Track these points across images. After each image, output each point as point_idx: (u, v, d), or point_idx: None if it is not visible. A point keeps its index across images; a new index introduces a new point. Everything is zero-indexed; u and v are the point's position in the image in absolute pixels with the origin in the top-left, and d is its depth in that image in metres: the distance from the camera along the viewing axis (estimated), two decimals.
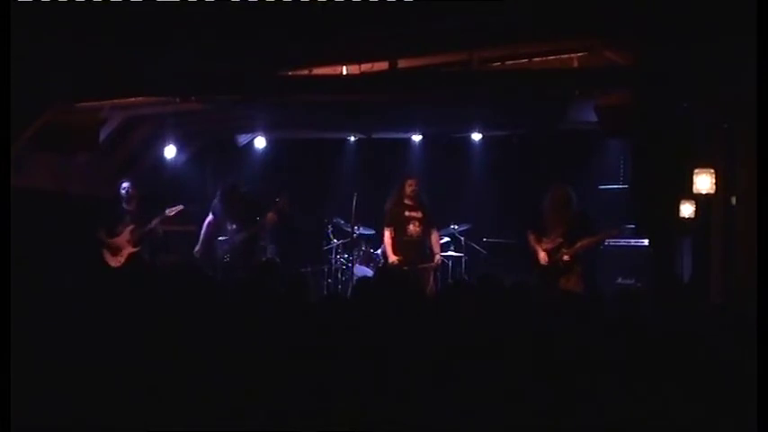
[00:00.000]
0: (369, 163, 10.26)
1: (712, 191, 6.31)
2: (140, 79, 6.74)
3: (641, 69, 6.35)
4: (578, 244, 7.08)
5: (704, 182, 6.30)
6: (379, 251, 8.84)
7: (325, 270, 9.46)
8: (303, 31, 6.14)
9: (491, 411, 3.23)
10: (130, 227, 8.11)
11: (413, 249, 8.00)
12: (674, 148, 6.53)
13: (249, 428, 3.25)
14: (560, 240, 7.19)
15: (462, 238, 9.34)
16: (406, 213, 8.04)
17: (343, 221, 9.30)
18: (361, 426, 3.18)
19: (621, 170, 9.28)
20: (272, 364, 3.51)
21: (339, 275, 9.32)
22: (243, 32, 6.14)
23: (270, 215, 8.02)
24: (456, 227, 9.27)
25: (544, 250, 7.20)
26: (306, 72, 7.02)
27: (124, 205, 8.19)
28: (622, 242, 8.59)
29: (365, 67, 6.83)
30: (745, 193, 5.79)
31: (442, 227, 8.74)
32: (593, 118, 7.18)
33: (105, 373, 3.47)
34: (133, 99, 7.74)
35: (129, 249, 8.09)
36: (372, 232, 9.20)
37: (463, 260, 9.31)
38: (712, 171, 6.31)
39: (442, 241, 8.73)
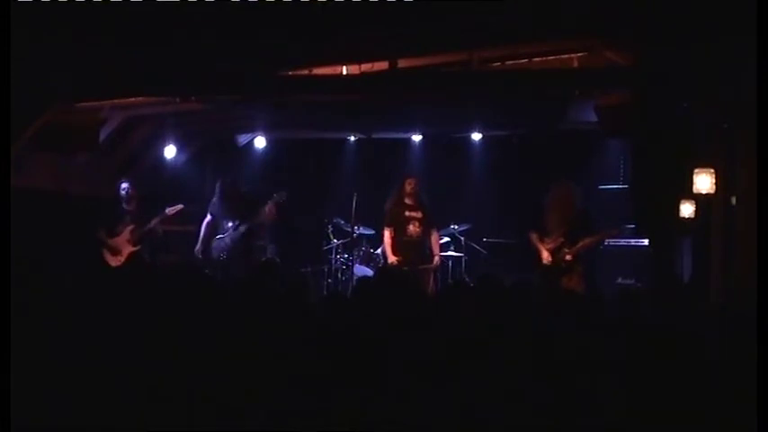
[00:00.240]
0: (369, 163, 10.26)
1: (712, 191, 6.31)
2: (140, 79, 6.74)
3: (641, 69, 6.34)
4: (580, 243, 7.09)
5: (704, 182, 6.30)
6: (378, 251, 8.84)
7: (325, 270, 9.46)
8: (303, 31, 6.14)
9: (491, 411, 3.23)
10: (130, 227, 8.12)
11: (413, 249, 8.00)
12: (674, 148, 6.52)
13: (249, 428, 3.25)
14: (562, 240, 7.20)
15: (462, 238, 9.35)
16: (406, 213, 8.04)
17: (343, 221, 9.30)
18: (361, 426, 3.18)
19: (621, 170, 9.28)
20: (272, 364, 3.51)
21: (339, 275, 9.32)
22: (243, 32, 6.14)
23: (269, 207, 8.02)
24: (456, 227, 9.27)
25: (546, 250, 7.21)
26: (306, 72, 7.01)
27: (124, 205, 8.20)
28: (622, 242, 8.60)
29: (365, 67, 6.83)
30: (745, 193, 5.78)
31: (441, 227, 8.75)
32: (593, 118, 7.18)
33: (105, 373, 3.46)
34: (133, 99, 7.75)
35: (129, 249, 8.10)
36: (372, 232, 9.20)
37: (463, 260, 9.32)
38: (712, 171, 6.30)
39: (441, 241, 8.73)
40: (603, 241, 8.09)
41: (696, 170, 6.35)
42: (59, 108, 7.06)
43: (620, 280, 8.33)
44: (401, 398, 3.27)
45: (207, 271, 7.36)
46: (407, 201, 8.06)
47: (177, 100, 7.63)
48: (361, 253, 9.11)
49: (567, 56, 7.06)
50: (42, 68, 6.31)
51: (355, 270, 8.85)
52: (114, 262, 8.09)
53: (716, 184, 6.30)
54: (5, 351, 3.53)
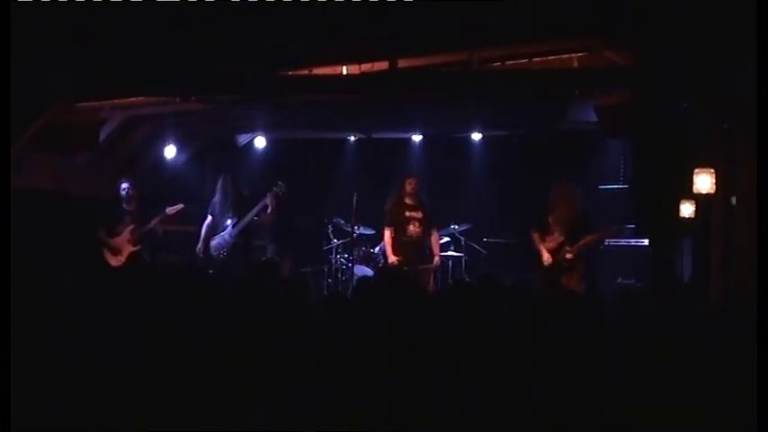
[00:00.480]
0: (369, 163, 10.26)
1: (712, 191, 6.31)
2: (140, 79, 6.74)
3: (641, 69, 6.34)
4: (581, 241, 7.10)
5: (704, 182, 6.30)
6: (377, 249, 8.84)
7: (325, 270, 9.46)
8: (303, 31, 6.14)
9: (491, 411, 3.23)
10: (130, 226, 8.12)
11: (413, 249, 8.00)
12: (674, 148, 6.52)
13: (249, 428, 3.25)
14: (562, 239, 7.21)
15: (462, 238, 9.35)
16: (407, 213, 8.04)
17: (343, 221, 9.31)
18: (361, 426, 3.18)
19: (621, 170, 9.28)
20: (272, 364, 3.51)
21: (339, 275, 9.32)
22: (243, 32, 6.14)
23: (269, 200, 8.03)
24: (456, 227, 9.27)
25: (547, 250, 7.22)
26: (306, 72, 7.01)
27: (124, 205, 8.20)
28: (622, 242, 8.60)
29: (365, 67, 6.83)
30: (745, 193, 5.78)
31: (442, 227, 8.75)
32: (593, 118, 7.18)
33: (105, 373, 3.46)
34: (133, 99, 7.75)
35: (129, 249, 8.10)
36: (372, 232, 9.20)
37: (463, 260, 9.32)
38: (712, 171, 6.30)
39: (442, 241, 8.73)
40: (604, 240, 8.10)
41: (696, 170, 6.35)
42: (59, 108, 7.05)
43: (620, 280, 8.33)
44: (401, 398, 3.27)
45: (210, 271, 7.37)
46: (408, 201, 8.06)
47: (177, 100, 7.63)
48: (361, 253, 9.11)
49: (566, 56, 7.05)
50: (42, 68, 6.30)
51: (355, 270, 8.85)
52: (115, 262, 8.09)
53: (716, 184, 6.30)
54: (5, 351, 3.53)
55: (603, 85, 6.90)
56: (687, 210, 6.66)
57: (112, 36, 6.15)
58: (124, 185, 8.21)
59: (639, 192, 7.16)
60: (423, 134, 10.01)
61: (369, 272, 8.62)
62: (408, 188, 8.04)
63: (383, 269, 7.59)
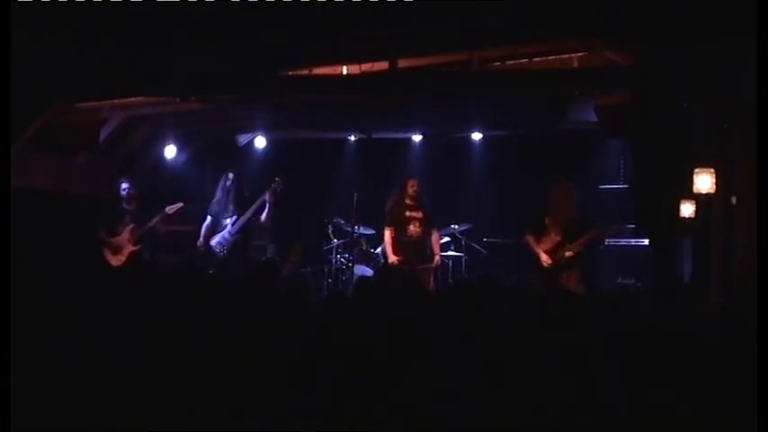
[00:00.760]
0: (369, 163, 10.26)
1: (712, 191, 6.30)
2: (140, 79, 6.74)
3: (641, 69, 6.34)
4: (581, 239, 7.11)
5: (704, 182, 6.29)
6: (378, 249, 8.84)
7: (325, 270, 9.46)
8: (303, 31, 6.14)
9: (491, 411, 3.23)
10: (130, 226, 8.13)
11: (413, 249, 8.00)
12: (674, 148, 6.52)
13: (249, 428, 3.25)
14: (559, 239, 7.22)
15: (462, 238, 9.35)
16: (407, 213, 8.04)
17: (343, 221, 9.31)
18: (361, 426, 3.18)
19: (621, 170, 9.28)
20: (272, 364, 3.51)
21: (339, 275, 9.32)
22: (243, 32, 6.14)
23: (268, 195, 8.06)
24: (456, 227, 9.27)
25: (544, 251, 7.22)
26: (306, 72, 7.01)
27: (124, 205, 8.21)
28: (622, 242, 8.60)
29: (365, 67, 6.83)
30: (746, 193, 5.78)
31: (442, 227, 8.74)
32: (593, 118, 7.18)
33: (105, 373, 3.46)
34: (133, 99, 7.75)
35: (129, 248, 8.11)
36: (372, 232, 9.20)
37: (463, 260, 9.32)
38: (712, 171, 6.30)
39: (442, 241, 8.73)
40: (604, 240, 8.11)
41: (696, 170, 6.34)
42: (59, 108, 7.06)
43: (620, 280, 8.33)
44: (401, 398, 3.27)
45: (210, 271, 7.38)
46: (408, 201, 8.06)
47: (177, 100, 7.64)
48: (362, 253, 9.11)
49: (566, 56, 7.06)
50: (42, 68, 6.31)
51: (355, 270, 8.85)
52: (115, 261, 8.09)
53: (716, 183, 6.29)
54: (5, 351, 3.53)
55: (603, 85, 6.91)
56: (687, 210, 6.66)
57: (112, 36, 6.15)
58: (124, 185, 8.21)
59: (639, 192, 7.15)
60: (423, 134, 10.01)
61: (369, 272, 8.62)
62: (410, 189, 8.04)
63: (383, 269, 7.59)
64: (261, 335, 3.80)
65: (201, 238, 8.21)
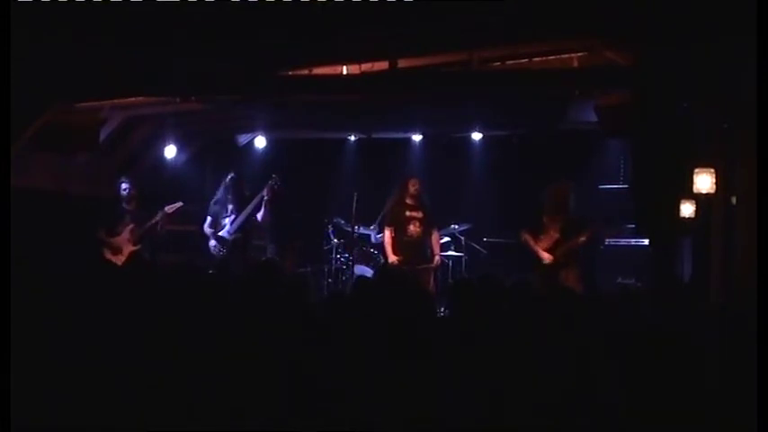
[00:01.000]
0: (369, 163, 10.26)
1: (712, 190, 6.30)
2: (140, 79, 6.74)
3: (641, 69, 6.34)
4: (582, 237, 7.12)
5: (704, 181, 6.29)
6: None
7: (326, 270, 9.46)
8: (303, 31, 6.14)
9: (491, 411, 3.23)
10: (130, 226, 8.14)
11: (413, 249, 8.00)
12: (674, 148, 6.52)
13: (249, 428, 3.25)
14: (558, 237, 7.23)
15: (462, 238, 9.34)
16: (407, 213, 8.05)
17: (343, 221, 9.30)
18: (361, 426, 3.18)
19: (621, 170, 9.27)
20: (272, 364, 3.51)
21: (339, 275, 9.32)
22: (243, 32, 6.14)
23: (266, 191, 8.10)
24: (456, 227, 9.27)
25: (543, 249, 7.23)
26: (306, 72, 7.01)
27: (124, 205, 8.22)
28: (622, 242, 8.60)
29: (365, 66, 6.83)
30: (746, 193, 5.78)
31: (442, 227, 8.74)
32: (593, 118, 7.18)
33: (105, 373, 3.46)
34: (133, 99, 7.75)
35: (129, 248, 8.13)
36: (372, 232, 9.20)
37: (463, 260, 9.31)
38: (712, 171, 6.29)
39: (442, 241, 8.72)
40: (603, 239, 8.12)
41: (696, 170, 6.34)
42: (59, 108, 7.06)
43: (620, 279, 8.33)
44: (401, 398, 3.27)
45: (210, 271, 7.39)
46: (409, 201, 8.06)
47: (177, 100, 7.63)
48: (362, 253, 9.11)
49: (566, 56, 7.06)
50: (42, 68, 6.30)
51: (355, 270, 8.85)
52: (116, 262, 8.09)
53: (716, 183, 6.29)
54: (5, 351, 3.53)
55: (603, 85, 6.90)
56: (687, 210, 6.65)
57: (112, 36, 6.15)
58: (124, 185, 8.22)
59: (639, 192, 7.15)
60: (423, 134, 10.02)
61: (369, 272, 8.61)
62: (411, 189, 8.04)
63: (383, 268, 7.59)
64: (261, 335, 3.80)
65: (212, 239, 8.26)
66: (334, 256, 9.40)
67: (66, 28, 6.00)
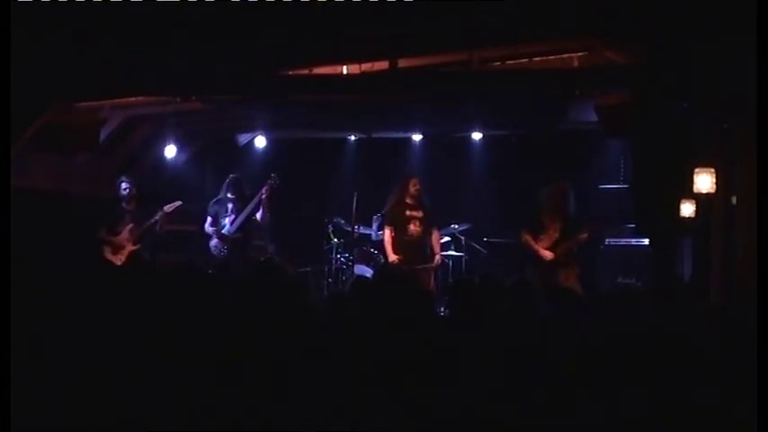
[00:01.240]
0: (369, 163, 10.25)
1: (713, 190, 6.30)
2: (140, 79, 6.74)
3: (641, 69, 6.34)
4: (584, 233, 7.13)
5: (705, 181, 6.29)
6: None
7: (326, 270, 9.46)
8: (303, 31, 6.14)
9: (491, 411, 3.23)
10: (130, 225, 8.15)
11: (413, 249, 8.00)
12: (674, 147, 6.52)
13: (249, 428, 3.25)
14: (557, 236, 7.24)
15: (463, 238, 9.34)
16: (407, 213, 8.04)
17: (343, 221, 9.30)
18: (361, 426, 3.18)
19: (621, 170, 9.27)
20: (272, 364, 3.51)
21: (339, 275, 9.32)
22: (243, 32, 6.14)
23: (265, 190, 8.13)
24: (456, 226, 9.27)
25: (543, 248, 7.24)
26: (306, 72, 7.01)
27: (124, 205, 8.22)
28: (622, 242, 8.60)
29: (365, 66, 6.83)
30: (746, 193, 5.78)
31: (442, 226, 8.74)
32: (594, 118, 7.18)
33: (105, 373, 3.46)
34: (133, 99, 7.75)
35: (129, 248, 8.13)
36: (373, 232, 9.20)
37: (463, 260, 9.32)
38: (713, 170, 6.30)
39: (442, 241, 8.72)
40: (603, 238, 8.13)
41: (696, 170, 6.34)
42: (59, 108, 7.06)
43: (620, 279, 8.33)
44: (401, 398, 3.27)
45: (210, 271, 7.41)
46: (409, 200, 8.06)
47: (177, 100, 7.64)
48: (362, 252, 9.11)
49: (567, 56, 7.06)
50: (42, 68, 6.30)
51: (355, 270, 8.85)
52: (116, 261, 8.10)
53: (716, 183, 6.29)
54: (5, 351, 3.53)
55: (603, 85, 6.91)
56: (687, 209, 6.66)
57: (112, 36, 6.15)
58: (124, 185, 8.22)
59: (640, 191, 7.16)
60: (423, 134, 10.02)
61: (369, 271, 8.61)
62: (412, 189, 8.04)
63: (383, 268, 7.59)
64: (261, 335, 3.80)
65: (215, 239, 8.27)
66: (334, 256, 9.40)
67: (67, 28, 6.00)
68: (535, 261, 7.30)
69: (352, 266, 8.93)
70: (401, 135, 10.11)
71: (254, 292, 4.65)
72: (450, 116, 8.96)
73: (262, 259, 8.19)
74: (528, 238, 7.36)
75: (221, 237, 8.26)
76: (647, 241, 8.05)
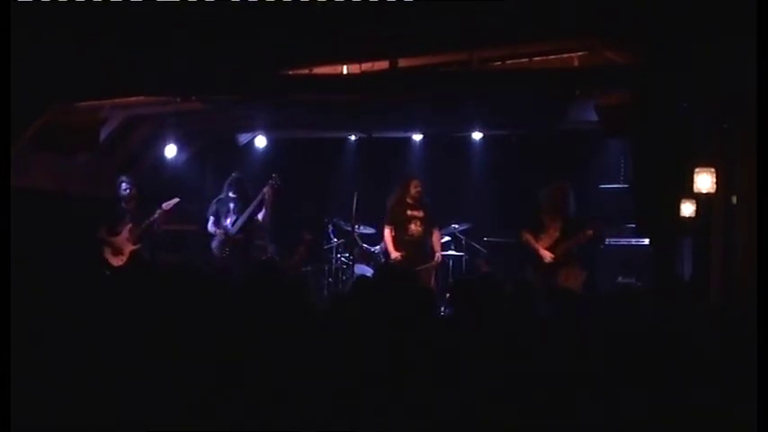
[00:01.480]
0: (369, 162, 10.25)
1: (713, 190, 6.30)
2: (140, 79, 6.74)
3: (641, 69, 6.34)
4: (587, 231, 7.14)
5: (705, 181, 6.29)
6: (377, 247, 8.83)
7: (326, 270, 9.46)
8: (303, 31, 6.14)
9: (491, 411, 3.23)
10: (129, 225, 8.15)
11: (414, 248, 8.01)
12: (674, 147, 6.52)
13: (249, 428, 3.25)
14: (558, 235, 7.25)
15: (463, 238, 9.34)
16: (408, 213, 8.06)
17: (343, 221, 9.30)
18: (361, 426, 3.18)
19: (622, 170, 9.27)
20: (272, 364, 3.51)
21: (339, 275, 9.32)
22: (243, 32, 6.14)
23: (267, 189, 8.10)
24: (456, 226, 9.27)
25: (544, 248, 7.24)
26: (306, 72, 7.02)
27: (123, 205, 8.23)
28: (623, 241, 8.60)
29: (365, 66, 6.83)
30: (746, 193, 5.78)
31: (442, 226, 8.74)
32: (594, 117, 7.18)
33: (105, 373, 3.46)
34: (133, 99, 7.75)
35: (129, 247, 8.14)
36: (373, 231, 9.20)
37: (464, 259, 9.32)
38: (713, 170, 6.30)
39: (442, 240, 8.72)
40: (604, 237, 8.13)
41: (697, 169, 6.34)
42: (59, 108, 7.06)
43: (620, 279, 8.33)
44: (401, 398, 3.27)
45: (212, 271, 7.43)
46: (410, 200, 8.07)
47: (177, 100, 7.64)
48: (362, 252, 9.11)
49: (567, 55, 7.06)
50: (42, 68, 6.30)
51: (356, 269, 8.85)
52: (116, 261, 8.11)
53: (716, 183, 6.29)
54: (5, 351, 3.53)
55: (603, 84, 6.91)
56: (687, 209, 6.66)
57: (112, 36, 6.15)
58: (124, 184, 8.22)
59: (640, 191, 7.16)
60: (423, 133, 10.02)
61: (369, 271, 8.61)
62: (413, 189, 8.05)
63: (383, 267, 7.59)
64: (261, 335, 3.80)
65: (217, 236, 8.28)
66: (334, 255, 9.40)
67: (67, 28, 6.00)
68: (535, 261, 7.30)
69: (353, 266, 8.93)
70: (401, 135, 10.11)
71: (254, 291, 4.66)
72: (450, 116, 8.96)
73: (263, 258, 8.21)
74: (529, 237, 7.36)
75: (227, 237, 8.27)
76: (647, 241, 8.06)
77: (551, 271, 7.16)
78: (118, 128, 8.53)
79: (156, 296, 4.38)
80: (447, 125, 9.55)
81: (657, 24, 5.79)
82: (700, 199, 6.51)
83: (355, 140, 10.48)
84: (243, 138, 10.42)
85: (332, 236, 9.49)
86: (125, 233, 8.14)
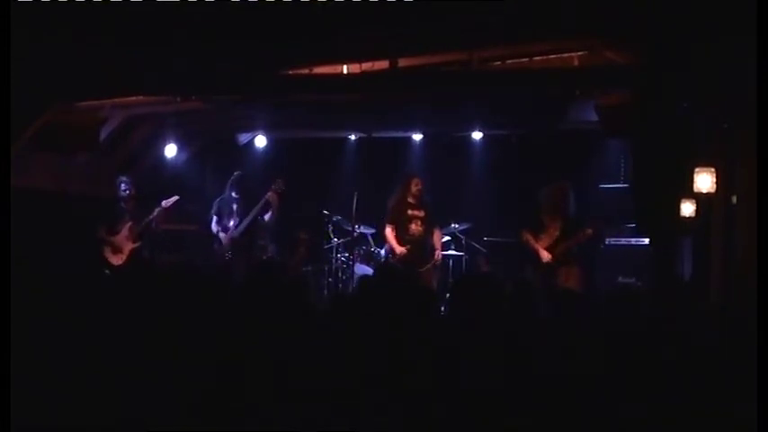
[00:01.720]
0: (369, 162, 10.25)
1: (713, 190, 6.30)
2: (140, 79, 6.74)
3: (641, 69, 6.35)
4: (588, 230, 7.14)
5: (705, 181, 6.29)
6: (382, 251, 8.84)
7: (326, 269, 9.46)
8: (303, 31, 6.14)
9: (491, 411, 3.23)
10: (129, 224, 8.16)
11: (415, 248, 8.01)
12: (674, 147, 6.52)
13: (249, 429, 3.25)
14: (558, 235, 7.25)
15: (463, 238, 9.34)
16: (409, 212, 8.06)
17: (343, 221, 9.30)
18: (361, 426, 3.18)
19: (622, 170, 9.27)
20: (272, 365, 3.51)
21: (340, 275, 9.32)
22: (243, 32, 6.14)
23: (270, 194, 8.11)
24: (456, 226, 9.27)
25: (543, 248, 7.25)
26: (306, 71, 7.02)
27: (122, 204, 8.24)
28: (623, 241, 8.60)
29: (366, 66, 6.83)
30: (746, 193, 5.78)
31: (442, 226, 8.74)
32: (594, 117, 7.18)
33: (105, 373, 3.46)
34: (133, 99, 7.75)
35: (129, 246, 8.16)
36: (373, 231, 9.20)
37: (464, 259, 9.32)
38: (713, 170, 6.30)
39: (442, 240, 8.72)
40: (604, 237, 8.13)
41: (697, 169, 6.34)
42: (59, 108, 7.06)
43: (620, 279, 8.33)
44: (401, 398, 3.27)
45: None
46: (411, 200, 8.07)
47: (177, 99, 7.64)
48: (362, 252, 9.11)
49: (567, 55, 7.06)
50: (42, 68, 6.31)
51: (356, 269, 8.86)
52: (116, 260, 8.13)
53: (716, 183, 6.30)
54: (5, 351, 3.53)
55: (603, 84, 6.91)
56: (687, 209, 6.66)
57: (112, 36, 6.15)
58: (123, 185, 8.24)
59: (640, 191, 7.16)
60: (423, 133, 10.02)
61: (369, 271, 8.61)
62: (414, 189, 8.06)
63: (383, 267, 7.59)
64: (261, 334, 3.80)
65: (220, 237, 8.29)
66: (334, 255, 9.40)
67: (67, 28, 6.00)
68: (535, 261, 7.31)
69: (353, 266, 8.93)
70: (401, 135, 10.11)
71: (254, 291, 4.66)
72: (450, 116, 8.97)
73: (264, 258, 8.22)
74: (529, 237, 7.37)
75: (230, 239, 8.27)
76: (647, 241, 8.06)
77: (551, 271, 7.16)
78: (118, 128, 8.53)
79: (156, 296, 4.38)
80: (447, 125, 9.56)
81: (657, 24, 5.80)
82: (700, 199, 6.51)
83: (355, 140, 10.48)
84: (243, 138, 10.43)
85: (332, 236, 9.50)
86: (125, 232, 8.16)
